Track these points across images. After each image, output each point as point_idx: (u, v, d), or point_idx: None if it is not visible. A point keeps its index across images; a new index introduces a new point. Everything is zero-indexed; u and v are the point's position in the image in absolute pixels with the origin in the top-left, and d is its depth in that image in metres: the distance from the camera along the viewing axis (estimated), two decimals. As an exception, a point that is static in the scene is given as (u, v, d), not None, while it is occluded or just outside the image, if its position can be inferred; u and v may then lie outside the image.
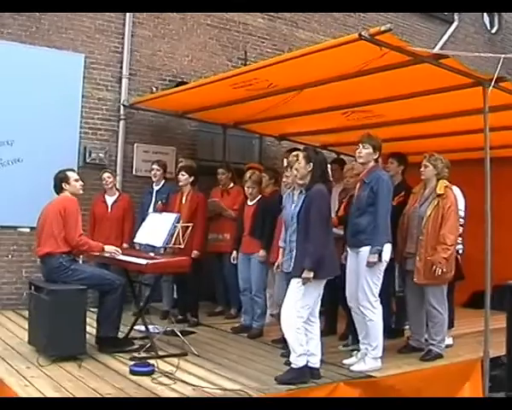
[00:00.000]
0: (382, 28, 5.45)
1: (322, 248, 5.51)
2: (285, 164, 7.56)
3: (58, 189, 6.59)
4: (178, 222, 6.64)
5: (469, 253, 7.55)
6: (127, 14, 9.46)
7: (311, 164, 5.67)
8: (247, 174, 7.89)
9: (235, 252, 7.92)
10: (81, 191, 6.71)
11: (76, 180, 6.62)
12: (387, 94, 7.47)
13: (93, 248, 6.49)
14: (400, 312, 7.60)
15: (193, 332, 7.47)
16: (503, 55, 6.14)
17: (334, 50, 6.04)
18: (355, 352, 6.42)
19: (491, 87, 6.33)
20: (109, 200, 8.46)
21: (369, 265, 5.91)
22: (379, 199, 5.99)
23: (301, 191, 5.80)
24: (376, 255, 5.90)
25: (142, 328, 6.90)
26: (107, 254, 6.53)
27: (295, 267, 5.60)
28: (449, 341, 7.04)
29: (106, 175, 8.54)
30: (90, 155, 9.20)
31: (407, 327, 7.50)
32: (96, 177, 8.74)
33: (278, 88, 7.62)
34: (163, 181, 8.69)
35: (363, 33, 5.55)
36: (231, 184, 8.87)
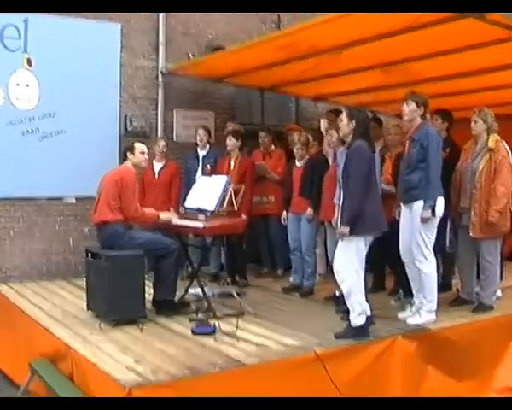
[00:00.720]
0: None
1: (360, 204, 5.52)
2: (325, 125, 7.66)
3: (124, 157, 6.71)
4: (229, 185, 6.70)
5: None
6: (162, -21, 9.44)
7: (354, 122, 5.70)
8: (295, 136, 7.96)
9: (285, 213, 8.00)
10: (144, 164, 6.82)
11: (142, 153, 6.68)
12: (426, 51, 7.44)
13: (148, 219, 6.61)
14: (448, 266, 7.65)
15: (244, 293, 7.56)
16: None
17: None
18: (408, 305, 6.51)
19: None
20: (157, 166, 8.56)
21: (423, 220, 5.95)
22: (429, 154, 6.01)
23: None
24: (430, 210, 5.94)
25: (194, 291, 7.06)
26: (163, 221, 6.62)
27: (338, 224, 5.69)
28: (498, 293, 7.09)
29: (162, 142, 8.67)
30: (131, 124, 9.28)
31: (454, 281, 7.59)
32: (138, 144, 8.81)
33: (319, 49, 7.61)
34: (208, 146, 8.75)
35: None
36: (272, 147, 8.92)
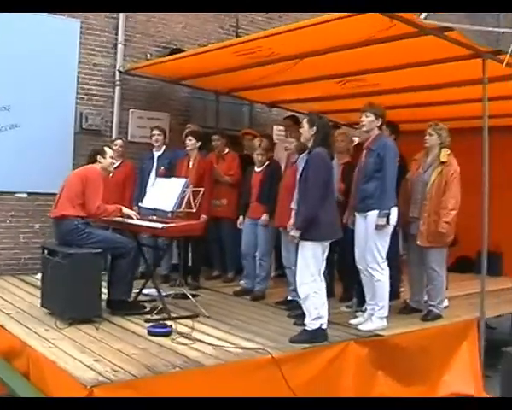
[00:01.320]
0: (396, 0, 5.62)
1: (315, 210, 5.67)
2: (277, 133, 7.81)
3: (92, 159, 6.75)
4: (187, 187, 6.77)
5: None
6: (123, -21, 9.45)
7: (315, 128, 5.85)
8: (256, 142, 8.07)
9: (241, 217, 8.09)
10: (111, 169, 6.95)
11: (111, 157, 6.79)
12: (384, 64, 7.63)
13: (111, 213, 6.60)
14: (396, 274, 7.86)
15: (197, 295, 7.62)
16: (502, 30, 6.33)
17: (343, 21, 6.18)
18: (359, 313, 6.69)
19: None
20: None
21: (378, 228, 6.14)
22: (386, 165, 6.21)
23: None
24: (385, 219, 6.14)
25: (148, 291, 7.10)
26: (120, 219, 6.65)
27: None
28: (445, 302, 7.32)
29: (119, 142, 8.72)
30: (86, 121, 9.24)
31: (402, 289, 7.81)
32: (92, 143, 8.77)
33: (279, 56, 7.74)
34: (164, 147, 8.79)
35: (377, 4, 5.68)
36: (226, 150, 9.01)
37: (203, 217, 7.71)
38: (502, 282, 9.03)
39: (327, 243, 5.87)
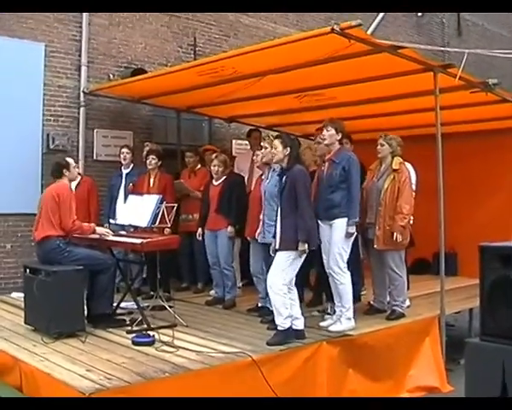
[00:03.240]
0: (353, 23, 6.05)
1: (311, 221, 6.14)
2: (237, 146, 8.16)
3: (58, 174, 6.92)
4: (161, 203, 7.09)
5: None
6: (84, 3, 9.73)
7: (288, 148, 6.28)
8: (213, 155, 8.43)
9: (200, 229, 8.40)
10: (78, 177, 7.17)
11: (74, 167, 7.07)
12: (342, 79, 8.02)
13: (86, 231, 6.86)
14: (358, 278, 8.29)
15: (171, 306, 7.91)
16: (466, 51, 6.83)
17: (303, 42, 6.61)
18: (327, 315, 7.11)
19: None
20: (72, 184, 8.75)
21: (349, 235, 6.59)
22: (352, 177, 6.66)
23: (281, 171, 6.41)
24: (354, 226, 6.59)
25: (124, 305, 7.39)
26: (96, 236, 6.92)
27: (284, 242, 6.19)
28: (407, 302, 7.78)
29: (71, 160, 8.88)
30: (53, 142, 9.47)
31: (364, 292, 8.25)
32: (60, 163, 9.05)
33: (241, 75, 8.08)
34: (131, 164, 9.09)
35: (335, 27, 6.07)
36: (198, 166, 9.38)
37: (167, 230, 7.99)
38: (458, 281, 9.53)
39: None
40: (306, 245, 6.09)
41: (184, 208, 8.94)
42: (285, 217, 6.23)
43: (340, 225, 6.62)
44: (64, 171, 6.92)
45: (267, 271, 6.55)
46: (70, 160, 7.13)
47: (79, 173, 8.86)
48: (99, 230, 6.98)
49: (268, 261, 6.80)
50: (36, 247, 6.95)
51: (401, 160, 7.45)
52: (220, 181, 8.29)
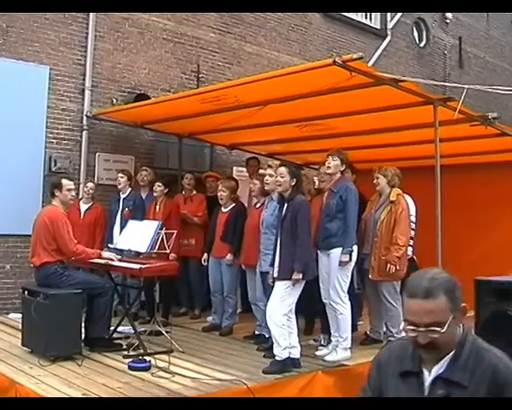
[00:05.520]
0: (354, 56, 6.14)
1: (309, 252, 6.19)
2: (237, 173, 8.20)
3: (51, 194, 6.96)
4: (161, 229, 7.13)
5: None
6: (90, 27, 9.87)
7: (295, 179, 6.33)
8: (219, 182, 8.48)
9: (205, 255, 8.42)
10: (71, 202, 7.12)
11: (69, 190, 6.93)
12: (343, 110, 8.10)
13: (90, 256, 6.89)
14: (355, 308, 8.31)
15: (168, 331, 7.93)
16: (466, 86, 6.90)
17: (305, 73, 6.69)
18: (321, 346, 7.13)
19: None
20: (83, 207, 8.87)
21: (342, 264, 6.62)
22: (348, 207, 6.71)
23: (281, 200, 6.46)
24: (348, 255, 6.62)
25: (121, 329, 7.40)
26: (103, 261, 6.94)
27: (282, 271, 6.22)
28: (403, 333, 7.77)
29: (91, 184, 9.01)
30: (55, 164, 9.52)
31: (360, 323, 8.27)
32: (61, 185, 9.13)
33: (243, 103, 8.17)
34: (129, 189, 9.09)
35: (336, 59, 6.17)
36: (194, 192, 9.41)
37: (172, 255, 8.03)
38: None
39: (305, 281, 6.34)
40: (301, 275, 6.11)
41: (180, 234, 8.94)
42: (284, 246, 6.27)
43: (337, 254, 6.66)
44: (55, 191, 6.88)
45: (267, 299, 6.56)
46: (66, 181, 6.98)
47: (93, 198, 8.96)
48: (105, 254, 7.00)
49: (265, 289, 6.84)
50: (34, 271, 6.97)
51: (399, 191, 7.49)
52: (228, 209, 8.29)
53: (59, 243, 6.65)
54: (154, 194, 8.78)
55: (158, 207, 8.72)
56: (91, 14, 9.84)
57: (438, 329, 2.52)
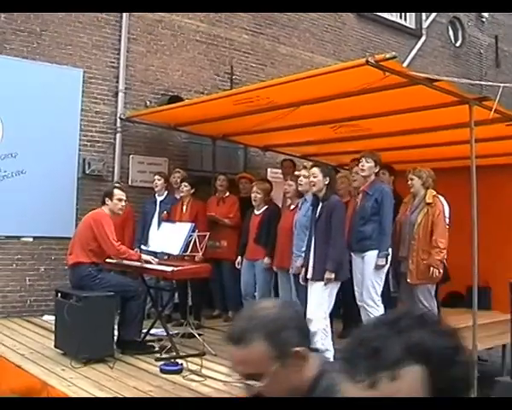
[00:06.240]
0: (388, 56, 6.03)
1: (343, 253, 6.11)
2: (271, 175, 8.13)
3: (102, 202, 7.02)
4: (194, 231, 7.11)
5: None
6: (123, 30, 9.89)
7: (328, 178, 6.25)
8: (253, 183, 8.44)
9: (239, 258, 8.38)
10: (120, 212, 7.12)
11: (119, 199, 7.01)
12: (377, 110, 7.99)
13: (132, 257, 6.91)
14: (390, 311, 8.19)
15: (201, 334, 7.91)
16: (502, 84, 6.75)
17: (338, 73, 6.61)
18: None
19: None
20: None
21: (378, 267, 6.53)
22: (384, 209, 6.62)
23: (315, 201, 6.39)
24: (384, 259, 6.53)
25: (154, 331, 7.39)
26: (137, 263, 6.94)
27: (316, 271, 6.16)
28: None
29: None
30: (89, 167, 9.55)
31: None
32: (95, 188, 9.23)
33: (276, 104, 8.11)
34: (166, 192, 9.12)
35: (369, 59, 6.06)
36: (227, 193, 9.38)
37: (199, 256, 7.96)
38: (491, 316, 9.35)
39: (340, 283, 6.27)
40: (333, 275, 6.03)
41: (212, 235, 8.81)
42: (319, 247, 6.23)
43: (372, 257, 6.58)
44: (106, 199, 6.98)
45: (300, 302, 6.47)
46: (117, 191, 7.09)
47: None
48: (144, 257, 7.00)
49: (298, 292, 6.78)
50: (69, 272, 7.01)
51: (434, 193, 7.38)
52: (261, 211, 8.26)
53: (102, 243, 6.69)
54: (181, 194, 8.78)
55: (185, 207, 8.72)
56: (124, 16, 9.87)
57: (255, 382, 1.99)
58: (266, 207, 8.23)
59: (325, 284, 6.11)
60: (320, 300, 6.13)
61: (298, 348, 2.01)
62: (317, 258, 6.22)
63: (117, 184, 8.97)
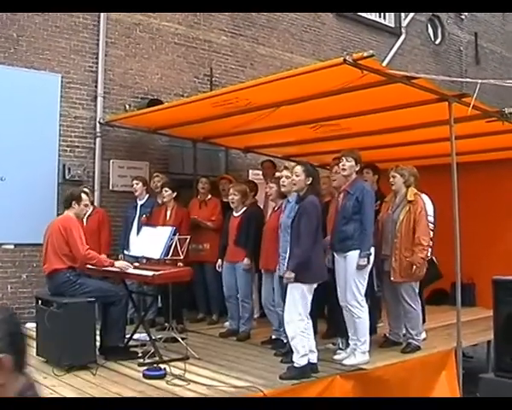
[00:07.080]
0: (365, 54, 6.00)
1: (308, 254, 6.05)
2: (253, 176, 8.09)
3: (67, 204, 6.90)
4: (175, 234, 7.06)
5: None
6: (100, 34, 9.83)
7: (310, 178, 6.22)
8: (230, 185, 8.39)
9: (220, 260, 8.33)
10: (83, 216, 7.15)
11: (86, 205, 6.99)
12: (356, 109, 8.00)
13: (103, 263, 6.82)
14: (374, 310, 8.19)
15: (184, 338, 7.85)
16: (479, 81, 6.75)
17: (317, 73, 6.59)
18: (339, 350, 7.01)
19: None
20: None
21: (360, 267, 6.49)
22: (365, 208, 6.58)
23: (298, 200, 6.36)
24: (366, 259, 6.49)
25: (137, 336, 7.33)
26: (115, 269, 6.86)
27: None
28: (423, 335, 7.66)
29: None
30: (69, 172, 9.47)
31: (380, 325, 8.15)
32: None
33: (256, 106, 8.07)
34: (146, 195, 9.07)
35: (347, 58, 6.04)
36: (209, 196, 9.33)
37: (179, 264, 7.91)
38: (475, 312, 9.42)
39: (315, 285, 6.21)
40: (293, 275, 6.00)
41: (194, 238, 8.76)
42: (293, 247, 6.19)
43: (354, 257, 6.54)
44: (73, 203, 6.86)
45: (283, 304, 6.46)
46: (85, 197, 7.03)
47: (92, 204, 8.90)
48: (118, 263, 6.94)
49: (283, 294, 6.75)
50: (46, 280, 6.92)
51: (416, 190, 7.37)
52: (240, 213, 8.21)
53: (71, 247, 6.59)
54: (164, 199, 8.69)
55: (169, 214, 8.64)
56: (102, 20, 9.82)
57: None
58: (245, 208, 8.18)
59: (285, 283, 6.11)
60: (292, 301, 6.09)
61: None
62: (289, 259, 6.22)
63: (85, 189, 8.89)
